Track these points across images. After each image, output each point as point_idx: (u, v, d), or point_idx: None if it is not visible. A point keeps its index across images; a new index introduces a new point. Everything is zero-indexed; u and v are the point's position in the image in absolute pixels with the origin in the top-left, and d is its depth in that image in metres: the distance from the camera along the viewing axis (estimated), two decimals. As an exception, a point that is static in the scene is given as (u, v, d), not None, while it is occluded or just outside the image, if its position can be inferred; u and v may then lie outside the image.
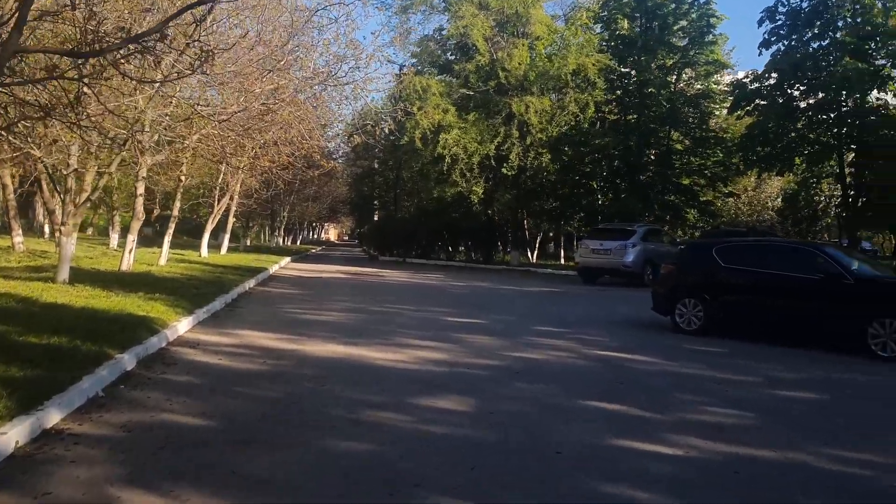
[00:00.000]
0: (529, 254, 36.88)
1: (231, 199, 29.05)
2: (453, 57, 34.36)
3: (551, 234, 48.03)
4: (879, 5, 22.31)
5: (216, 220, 27.98)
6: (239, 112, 15.76)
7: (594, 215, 30.00)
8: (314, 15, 13.02)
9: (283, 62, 12.74)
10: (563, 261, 40.54)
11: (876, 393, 7.81)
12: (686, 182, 29.99)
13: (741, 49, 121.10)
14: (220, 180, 26.82)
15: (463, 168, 28.14)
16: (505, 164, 28.36)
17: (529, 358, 8.72)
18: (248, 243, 59.53)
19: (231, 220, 31.86)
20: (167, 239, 20.57)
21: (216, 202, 27.80)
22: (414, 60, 31.46)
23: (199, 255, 26.52)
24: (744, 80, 25.73)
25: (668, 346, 10.08)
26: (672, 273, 11.81)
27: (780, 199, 39.54)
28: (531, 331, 11.23)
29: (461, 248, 39.51)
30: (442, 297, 16.77)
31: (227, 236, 32.04)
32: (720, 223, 34.32)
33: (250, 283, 17.50)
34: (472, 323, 12.08)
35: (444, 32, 34.40)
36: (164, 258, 20.12)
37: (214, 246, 32.05)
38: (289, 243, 67.19)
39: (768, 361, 9.09)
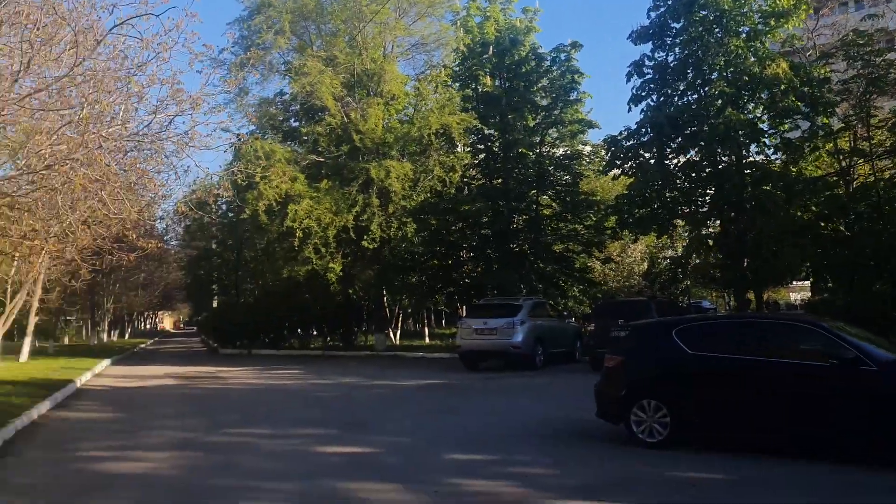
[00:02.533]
0: (391, 334, 33.72)
1: (29, 294, 23.95)
2: (297, 123, 31.35)
3: (409, 311, 45.22)
4: (751, 57, 21.74)
5: (8, 320, 22.79)
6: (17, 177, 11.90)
7: (466, 289, 27.48)
8: (108, 35, 9.50)
9: (61, 102, 9.13)
10: (427, 339, 37.70)
11: None
12: (559, 249, 28.26)
13: (599, 108, 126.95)
14: (12, 273, 21.88)
15: (317, 243, 24.76)
16: (365, 237, 25.25)
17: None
18: (67, 342, 52.73)
19: (33, 318, 26.48)
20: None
21: (7, 300, 22.69)
22: (253, 127, 28.03)
23: (-14, 367, 21.26)
24: (618, 138, 24.48)
25: (643, 476, 7.22)
26: (620, 367, 9.04)
27: (645, 263, 39.18)
28: (444, 466, 8.05)
29: (314, 333, 35.57)
30: (305, 409, 13.20)
31: (28, 339, 26.53)
32: (601, 291, 32.95)
33: (41, 409, 13.12)
34: (358, 455, 8.71)
35: (285, 97, 31.42)
36: (-81, 379, 15.18)
37: (14, 351, 26.52)
38: (115, 338, 60.28)
39: (796, 488, 6.45)
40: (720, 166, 23.55)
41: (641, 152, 24.94)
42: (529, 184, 27.86)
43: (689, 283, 37.58)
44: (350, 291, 29.59)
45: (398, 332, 37.94)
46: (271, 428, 10.86)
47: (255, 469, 8.10)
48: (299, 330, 35.27)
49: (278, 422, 11.46)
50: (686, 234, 32.00)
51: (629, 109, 25.57)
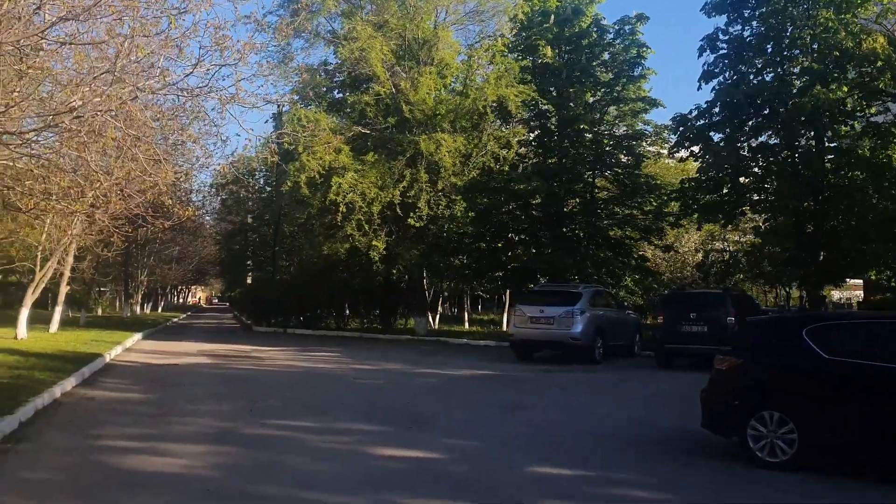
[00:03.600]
0: (431, 318, 32.58)
1: (60, 262, 23.20)
2: (340, 95, 30.16)
3: (447, 295, 44.09)
4: (842, 31, 19.92)
5: (38, 289, 22.05)
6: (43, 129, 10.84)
7: (514, 274, 26.08)
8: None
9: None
10: (466, 324, 36.55)
11: None
12: (616, 234, 26.72)
13: (664, 86, 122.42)
14: (42, 239, 21.08)
15: (360, 219, 23.56)
16: (412, 214, 23.95)
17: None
18: (100, 313, 52.60)
19: (63, 288, 25.79)
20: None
21: (38, 267, 21.92)
22: (297, 97, 26.80)
23: (15, 337, 20.53)
24: (688, 116, 22.90)
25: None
26: (735, 371, 7.66)
27: (699, 254, 37.51)
28: (526, 481, 6.84)
29: (348, 314, 34.47)
30: (350, 397, 12.07)
31: (58, 309, 25.85)
32: (657, 281, 31.41)
33: (66, 386, 12.17)
34: (421, 462, 7.52)
35: (329, 67, 30.24)
36: (-58, 348, 14.35)
37: (45, 320, 25.91)
38: (147, 310, 60.17)
39: None
40: (799, 150, 21.91)
41: (711, 133, 23.37)
42: (586, 164, 26.32)
43: (740, 276, 35.95)
44: (394, 272, 28.37)
45: (437, 317, 36.84)
46: (316, 420, 9.75)
47: (303, 473, 6.96)
48: (331, 310, 34.28)
49: (323, 412, 10.34)
50: (753, 223, 30.36)
51: (699, 87, 24.04)
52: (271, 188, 40.89)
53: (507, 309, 35.78)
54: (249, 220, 49.49)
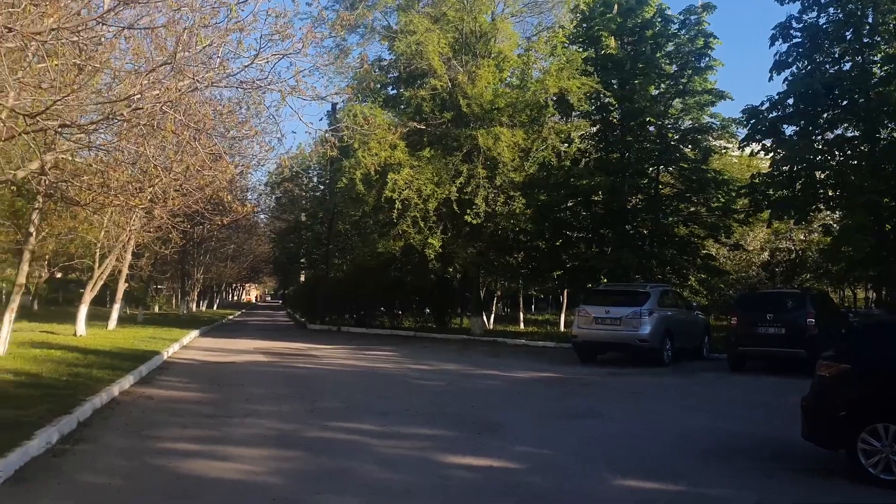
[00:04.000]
0: (485, 317, 32.04)
1: (119, 259, 23.37)
2: (395, 91, 29.82)
3: (499, 294, 43.52)
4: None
5: (96, 286, 22.22)
6: (101, 121, 10.68)
7: (574, 273, 25.34)
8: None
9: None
10: (521, 325, 35.92)
11: None
12: (682, 232, 25.74)
13: (731, 77, 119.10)
14: (101, 236, 21.21)
15: (416, 216, 23.16)
16: (469, 211, 23.45)
17: None
18: (157, 310, 53.52)
19: (122, 285, 26.02)
20: (8, 316, 14.79)
21: (96, 264, 22.09)
22: (353, 93, 26.47)
23: (74, 334, 20.73)
24: (759, 108, 21.89)
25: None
26: (843, 378, 6.98)
27: (766, 253, 36.25)
28: (615, 496, 6.32)
29: (400, 313, 34.15)
30: (412, 399, 11.65)
31: (116, 306, 26.10)
32: (724, 281, 30.37)
33: (124, 384, 12.06)
34: (496, 472, 7.03)
35: (384, 63, 29.95)
36: (2, 344, 14.38)
37: (104, 317, 26.24)
38: (203, 308, 61.08)
39: None
40: (881, 143, 20.76)
41: (784, 126, 22.32)
42: (650, 159, 25.41)
43: (807, 276, 34.57)
44: (450, 269, 27.91)
45: (491, 317, 36.29)
46: (380, 423, 9.36)
47: (372, 482, 6.56)
48: (384, 308, 34.06)
49: (387, 415, 9.95)
50: (821, 221, 29.13)
51: (770, 77, 22.76)
52: (325, 186, 40.86)
53: (563, 309, 35.04)
54: (303, 219, 49.62)
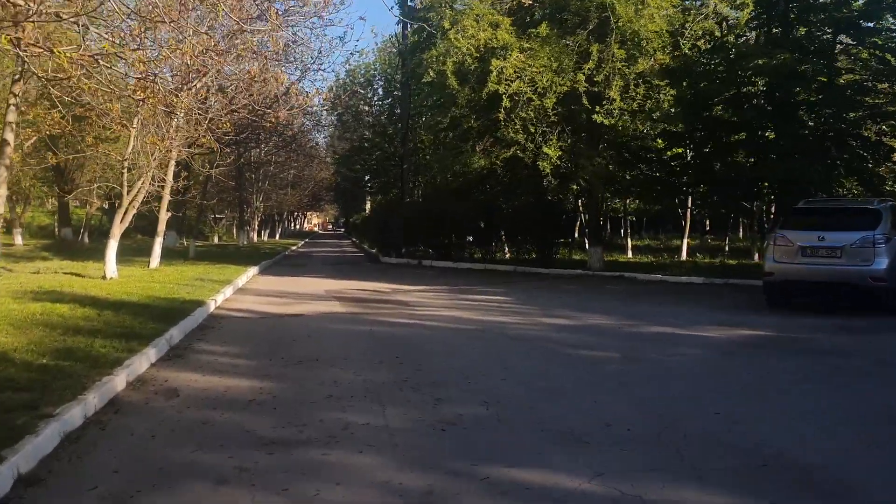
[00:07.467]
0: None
1: (161, 179, 19.48)
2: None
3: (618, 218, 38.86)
4: None
5: (127, 216, 18.29)
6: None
7: (731, 188, 20.19)
8: None
9: None
10: (629, 253, 31.18)
11: None
12: (869, 133, 20.24)
13: None
14: (128, 149, 17.17)
15: (530, 115, 18.26)
16: (598, 108, 18.39)
17: None
18: (216, 241, 50.91)
19: (164, 215, 22.14)
20: None
21: (124, 189, 18.08)
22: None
23: (104, 277, 16.96)
24: None
25: None
26: None
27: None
28: None
29: (494, 244, 29.33)
30: (598, 395, 7.15)
31: (158, 240, 22.23)
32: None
33: (138, 368, 7.92)
34: None
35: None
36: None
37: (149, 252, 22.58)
38: (265, 237, 58.61)
39: None
40: None
41: None
42: (826, 35, 19.81)
43: None
44: (573, 187, 23.00)
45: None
46: (577, 464, 4.91)
47: None
48: (473, 238, 29.41)
49: (579, 441, 5.53)
50: None
51: None
52: (398, 90, 36.16)
53: (685, 233, 29.91)
54: (367, 134, 45.34)
